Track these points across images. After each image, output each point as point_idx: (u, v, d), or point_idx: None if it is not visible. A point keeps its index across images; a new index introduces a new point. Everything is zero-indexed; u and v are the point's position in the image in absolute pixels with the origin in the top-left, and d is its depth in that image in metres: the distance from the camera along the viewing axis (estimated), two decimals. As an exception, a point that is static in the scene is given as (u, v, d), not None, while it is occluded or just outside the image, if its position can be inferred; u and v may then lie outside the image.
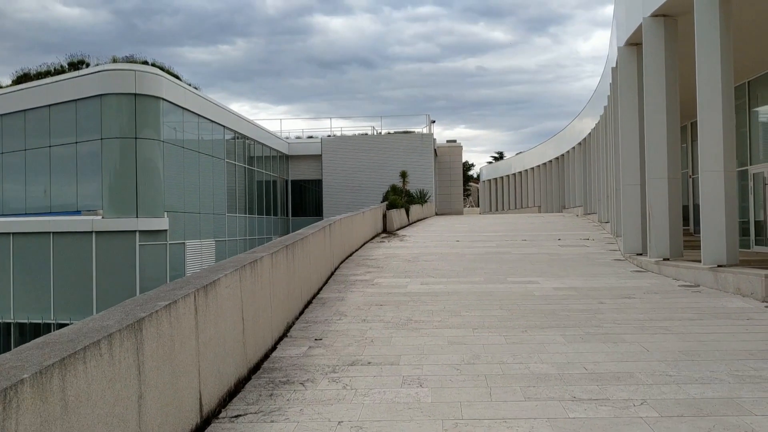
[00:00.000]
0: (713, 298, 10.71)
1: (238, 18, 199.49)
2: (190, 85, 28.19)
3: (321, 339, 8.21)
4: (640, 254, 15.97)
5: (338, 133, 45.07)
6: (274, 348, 7.71)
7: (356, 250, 19.73)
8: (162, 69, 25.51)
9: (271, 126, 58.22)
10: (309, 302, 10.89)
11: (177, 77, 26.91)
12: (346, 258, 17.71)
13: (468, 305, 10.45)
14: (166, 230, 24.37)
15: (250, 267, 6.82)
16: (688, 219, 23.96)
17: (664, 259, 13.88)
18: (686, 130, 23.58)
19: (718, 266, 11.64)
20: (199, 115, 27.90)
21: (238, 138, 33.89)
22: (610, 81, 20.60)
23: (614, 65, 18.61)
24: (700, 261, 12.68)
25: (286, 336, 8.40)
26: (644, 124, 14.30)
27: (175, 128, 25.89)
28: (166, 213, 24.41)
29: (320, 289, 12.31)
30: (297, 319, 9.53)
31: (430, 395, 5.72)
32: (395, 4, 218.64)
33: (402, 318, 9.46)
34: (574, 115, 40.27)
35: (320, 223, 14.15)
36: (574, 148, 39.36)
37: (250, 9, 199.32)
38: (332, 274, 14.49)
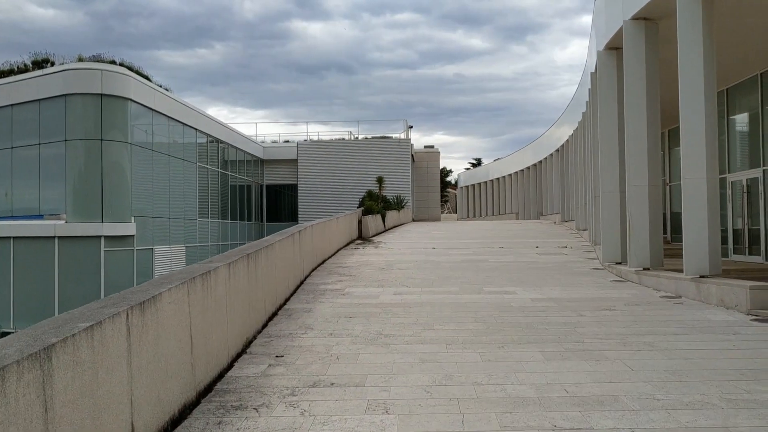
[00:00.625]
0: (696, 310, 10.29)
1: (216, 22, 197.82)
2: (161, 86, 27.42)
3: (282, 356, 7.60)
4: (620, 263, 15.59)
5: (315, 138, 44.47)
6: (230, 366, 7.10)
7: (329, 257, 19.12)
8: (131, 69, 24.74)
9: (248, 130, 57.50)
10: (274, 314, 10.27)
11: (147, 78, 26.15)
12: (318, 266, 17.10)
13: (442, 318, 9.91)
14: (132, 235, 23.56)
15: (201, 279, 6.21)
16: (665, 227, 23.72)
17: (644, 269, 13.48)
18: (663, 137, 23.38)
19: (701, 277, 11.24)
20: (169, 117, 27.13)
21: (211, 141, 33.12)
22: (589, 87, 20.29)
23: (593, 70, 18.28)
24: (681, 270, 12.29)
25: (245, 352, 7.78)
26: (624, 129, 13.92)
27: (144, 130, 25.11)
28: (133, 218, 23.61)
29: (288, 300, 11.70)
30: (259, 333, 8.91)
31: (396, 424, 5.16)
32: (374, 11, 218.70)
33: (371, 332, 8.89)
34: (550, 123, 40.15)
35: (289, 230, 13.54)
36: (551, 154, 39.16)
37: (227, 13, 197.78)
38: (302, 283, 13.88)
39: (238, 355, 7.56)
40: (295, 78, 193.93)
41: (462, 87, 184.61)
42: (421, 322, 9.60)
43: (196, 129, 30.46)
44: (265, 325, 9.39)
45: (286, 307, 11.06)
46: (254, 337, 8.55)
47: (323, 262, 17.93)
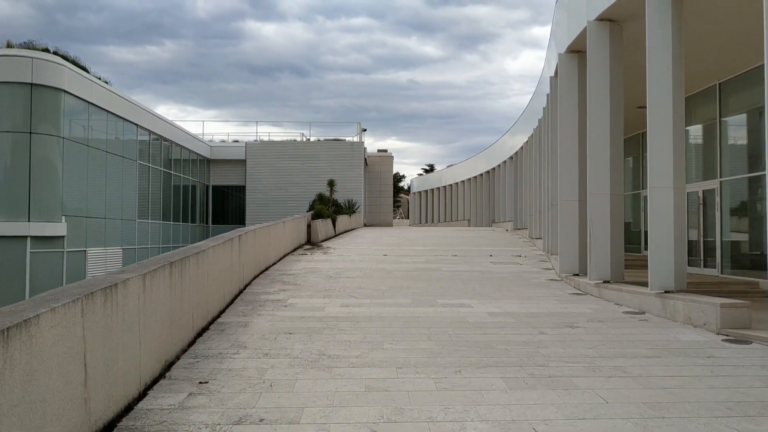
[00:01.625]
0: (663, 328, 9.64)
1: (167, 19, 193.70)
2: (99, 78, 25.80)
3: (207, 382, 6.55)
4: (577, 275, 14.97)
5: (267, 140, 43.11)
6: (143, 395, 6.01)
7: (274, 264, 18.02)
8: (66, 59, 23.09)
9: (196, 128, 55.74)
10: (205, 328, 9.18)
11: (84, 69, 24.49)
12: (261, 272, 16.00)
13: (393, 334, 8.99)
14: (63, 236, 21.93)
15: (104, 294, 5.13)
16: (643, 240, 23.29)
17: (605, 282, 12.85)
18: (638, 142, 22.89)
19: (666, 292, 10.63)
20: (108, 111, 25.53)
21: (154, 139, 31.51)
22: (547, 93, 19.74)
23: (552, 74, 17.72)
24: (643, 284, 11.71)
25: (164, 377, 6.70)
26: (586, 135, 13.30)
27: (79, 125, 23.48)
28: (64, 217, 21.99)
29: (223, 312, 10.59)
30: (185, 352, 7.82)
31: (333, 479, 4.20)
32: (329, 14, 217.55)
33: (313, 351, 7.90)
34: (501, 132, 40.04)
35: (227, 234, 12.43)
36: (505, 162, 38.80)
37: (179, 11, 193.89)
38: (241, 292, 12.77)
39: (155, 381, 6.48)
40: (247, 78, 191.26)
41: (415, 93, 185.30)
42: (369, 339, 8.65)
43: (137, 125, 28.85)
44: (192, 343, 8.30)
45: (220, 320, 9.96)
46: (177, 358, 7.46)
47: (267, 268, 16.83)
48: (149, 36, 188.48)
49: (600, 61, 12.98)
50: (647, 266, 10.89)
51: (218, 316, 10.18)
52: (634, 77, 14.17)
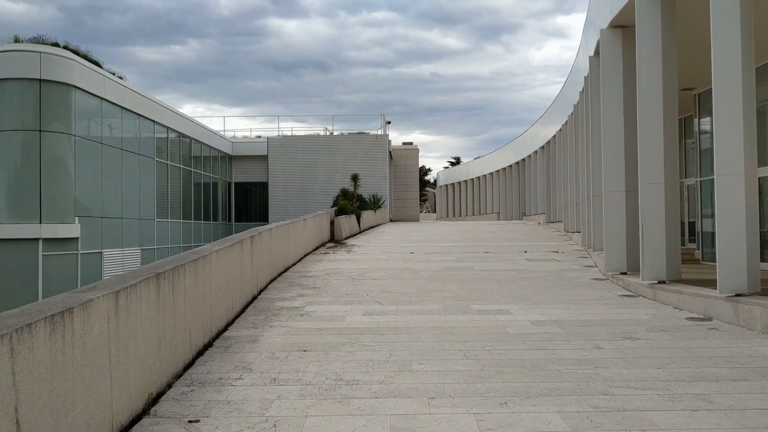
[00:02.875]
0: (740, 339, 8.23)
1: (190, 18, 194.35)
2: (113, 74, 24.91)
3: (198, 421, 5.37)
4: (625, 273, 13.56)
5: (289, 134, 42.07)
6: (116, 442, 4.86)
7: (294, 264, 16.88)
8: (76, 53, 22.18)
9: (218, 125, 55.02)
10: (208, 345, 8.02)
11: (97, 64, 23.60)
12: (280, 274, 14.86)
13: (422, 351, 7.74)
14: (77, 238, 21.06)
15: (49, 325, 3.96)
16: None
17: (660, 282, 11.43)
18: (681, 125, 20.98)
19: (737, 295, 9.21)
20: (122, 107, 24.59)
21: (172, 136, 30.61)
22: (585, 74, 18.24)
23: (592, 53, 16.25)
24: (703, 283, 10.32)
25: (148, 414, 5.54)
26: (635, 118, 11.86)
27: (91, 122, 22.59)
28: (77, 218, 21.10)
29: (231, 323, 9.44)
30: (179, 377, 6.66)
31: None
32: (350, 9, 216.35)
33: (329, 375, 6.69)
34: (526, 123, 38.66)
35: (238, 235, 11.28)
36: (536, 152, 37.24)
37: (202, 9, 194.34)
38: (254, 298, 11.62)
39: (135, 421, 5.32)
40: (271, 75, 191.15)
41: (439, 86, 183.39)
42: (395, 358, 7.41)
43: (154, 121, 27.93)
44: (190, 364, 7.14)
45: (226, 334, 8.81)
46: (169, 386, 6.30)
47: (286, 270, 15.68)
48: (174, 35, 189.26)
49: (651, 34, 11.54)
50: (696, 261, 9.49)
51: (225, 329, 9.03)
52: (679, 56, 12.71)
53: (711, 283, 11.94)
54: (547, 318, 9.79)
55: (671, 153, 11.59)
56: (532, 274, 14.88)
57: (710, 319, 9.52)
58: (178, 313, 6.76)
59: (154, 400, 5.84)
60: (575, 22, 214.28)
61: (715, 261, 16.55)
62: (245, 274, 10.79)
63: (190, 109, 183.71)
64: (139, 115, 26.28)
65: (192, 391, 6.22)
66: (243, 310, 10.41)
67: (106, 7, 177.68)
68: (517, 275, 14.80)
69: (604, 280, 13.99)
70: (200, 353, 7.64)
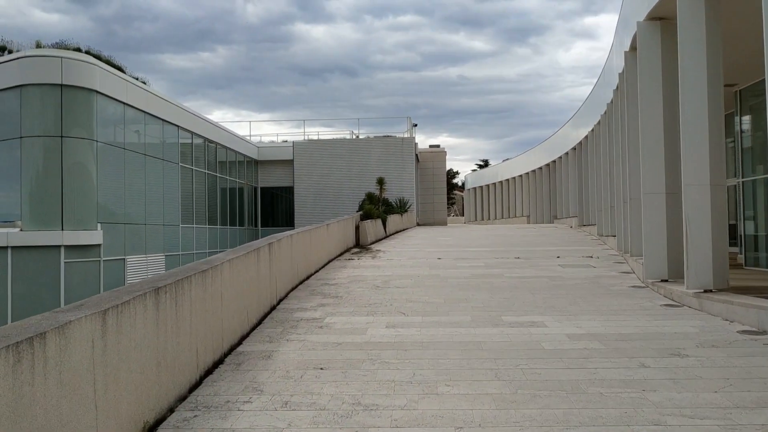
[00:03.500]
0: (802, 357, 7.43)
1: (219, 25, 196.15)
2: (137, 79, 24.74)
3: (197, 454, 4.80)
4: (666, 280, 12.73)
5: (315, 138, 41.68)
6: (102, 481, 4.30)
7: (317, 271, 16.33)
8: (99, 58, 22.03)
9: (244, 130, 54.89)
10: (219, 362, 7.48)
11: (120, 69, 23.47)
12: (302, 282, 14.32)
13: (449, 371, 7.08)
14: (99, 245, 20.81)
15: (13, 354, 3.42)
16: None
17: (706, 291, 10.61)
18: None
19: (796, 306, 8.38)
20: (145, 112, 24.35)
21: (197, 141, 30.37)
22: (620, 71, 17.40)
23: (627, 48, 15.43)
24: (754, 292, 9.49)
25: (142, 445, 4.99)
26: (678, 115, 11.05)
27: (114, 127, 22.35)
28: (99, 225, 20.86)
29: (245, 336, 8.89)
30: (183, 399, 6.11)
31: None
32: (376, 13, 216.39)
33: (346, 399, 6.08)
34: (555, 124, 37.90)
35: (255, 243, 10.75)
36: (567, 153, 36.26)
37: (230, 16, 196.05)
38: (273, 308, 11.07)
39: (127, 454, 4.77)
40: (298, 81, 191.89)
41: (466, 89, 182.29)
42: (419, 378, 6.78)
43: (178, 126, 27.68)
44: (197, 385, 6.59)
45: (240, 348, 8.26)
46: (171, 411, 5.75)
47: (308, 277, 15.14)
48: (202, 42, 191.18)
49: (694, 25, 10.73)
50: (738, 266, 8.67)
51: (239, 343, 8.48)
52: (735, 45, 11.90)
53: (760, 290, 11.10)
54: (584, 331, 9.05)
55: (717, 152, 10.76)
56: (566, 282, 14.10)
57: (765, 332, 8.70)
58: (182, 330, 6.21)
59: (152, 428, 5.29)
60: (604, 22, 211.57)
61: (760, 266, 15.75)
62: (262, 283, 10.24)
63: (220, 115, 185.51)
64: (163, 120, 26.05)
65: (195, 417, 5.66)
66: (260, 322, 9.87)
67: (137, 16, 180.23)
68: (550, 283, 14.04)
69: (643, 287, 13.17)
70: (209, 371, 7.09)
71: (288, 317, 10.38)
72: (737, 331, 8.87)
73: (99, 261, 20.90)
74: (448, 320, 10.04)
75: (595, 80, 26.26)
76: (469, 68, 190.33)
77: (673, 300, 11.47)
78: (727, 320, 9.59)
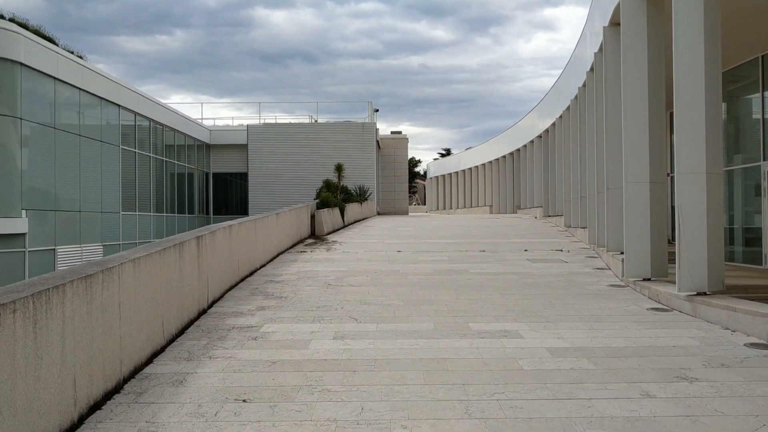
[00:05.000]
0: (833, 381, 6.15)
1: (177, 8, 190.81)
2: (72, 52, 22.51)
3: None
4: (649, 279, 11.49)
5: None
6: None
7: (263, 265, 14.69)
8: (24, 27, 19.80)
9: (198, 113, 52.42)
10: (114, 390, 5.84)
11: (51, 40, 21.21)
12: (244, 279, 12.69)
13: (408, 403, 5.58)
14: (24, 233, 18.76)
15: None
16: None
17: (700, 294, 9.34)
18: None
19: (814, 317, 7.12)
20: (80, 89, 22.21)
21: (142, 122, 28.24)
22: (595, 50, 16.09)
23: (606, 23, 14.09)
24: (755, 291, 8.25)
25: None
26: (674, 98, 9.68)
27: (42, 104, 20.21)
28: (25, 212, 18.80)
29: (160, 352, 7.24)
30: (45, 455, 4.48)
31: None
32: (338, 0, 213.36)
33: (269, 452, 4.53)
34: (516, 115, 36.92)
35: (178, 236, 9.07)
36: (532, 142, 35.13)
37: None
38: (203, 312, 9.42)
39: None
40: (258, 66, 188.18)
41: (427, 78, 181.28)
42: (369, 417, 5.26)
43: (119, 106, 25.54)
44: (75, 427, 4.96)
45: (147, 370, 6.61)
46: (19, 476, 4.12)
47: (252, 273, 13.50)
48: (160, 25, 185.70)
49: (690, -8, 9.38)
50: (736, 265, 7.38)
51: (148, 362, 6.83)
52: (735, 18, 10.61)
53: (762, 289, 9.90)
54: (568, 344, 7.66)
55: (714, 137, 9.46)
56: (538, 280, 12.76)
57: (777, 346, 7.44)
58: (45, 360, 4.57)
59: None
60: (564, 14, 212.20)
61: (757, 263, 14.37)
62: (187, 285, 8.59)
63: (178, 99, 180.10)
64: (102, 98, 23.91)
65: (53, 484, 4.04)
66: (182, 332, 8.22)
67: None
68: (521, 280, 12.68)
69: (624, 287, 11.90)
70: (98, 405, 5.46)
71: (218, 324, 8.75)
72: (744, 344, 7.58)
73: (24, 252, 18.85)
74: (407, 328, 8.55)
75: (556, 72, 25.13)
76: (431, 57, 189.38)
77: (660, 303, 10.19)
78: (728, 329, 8.32)
